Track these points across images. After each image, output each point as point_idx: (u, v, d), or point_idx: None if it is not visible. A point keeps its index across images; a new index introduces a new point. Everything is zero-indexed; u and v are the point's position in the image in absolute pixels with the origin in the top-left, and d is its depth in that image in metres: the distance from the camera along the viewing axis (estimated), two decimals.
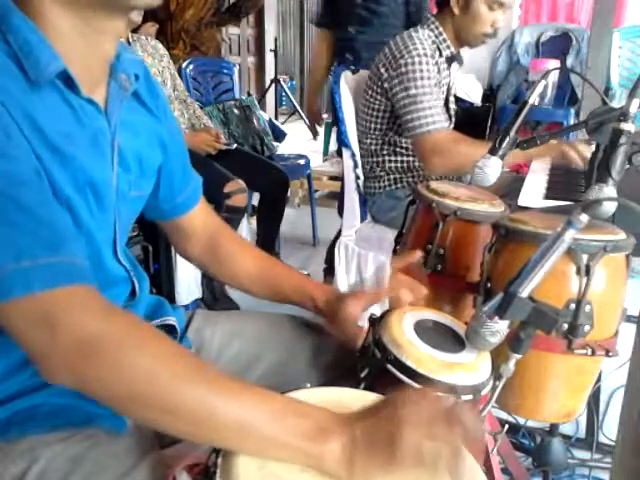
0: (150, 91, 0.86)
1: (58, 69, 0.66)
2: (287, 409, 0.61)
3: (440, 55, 1.86)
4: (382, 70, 1.85)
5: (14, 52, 0.64)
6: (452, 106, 2.02)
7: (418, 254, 1.00)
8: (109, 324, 0.61)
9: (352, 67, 2.08)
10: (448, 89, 1.95)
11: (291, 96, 6.93)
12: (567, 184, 1.59)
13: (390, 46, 1.84)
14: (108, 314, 0.62)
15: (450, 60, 1.90)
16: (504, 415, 1.22)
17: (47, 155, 0.65)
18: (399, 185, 1.94)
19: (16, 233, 0.59)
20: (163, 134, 0.88)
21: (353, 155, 1.97)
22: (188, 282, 2.32)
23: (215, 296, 2.43)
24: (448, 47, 1.86)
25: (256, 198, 2.87)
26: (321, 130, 3.74)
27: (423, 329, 0.80)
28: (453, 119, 2.06)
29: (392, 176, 1.94)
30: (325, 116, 4.09)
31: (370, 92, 1.92)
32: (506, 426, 0.78)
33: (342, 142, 2.03)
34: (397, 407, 0.59)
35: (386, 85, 1.83)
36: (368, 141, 1.96)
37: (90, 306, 0.62)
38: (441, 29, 1.85)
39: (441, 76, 1.86)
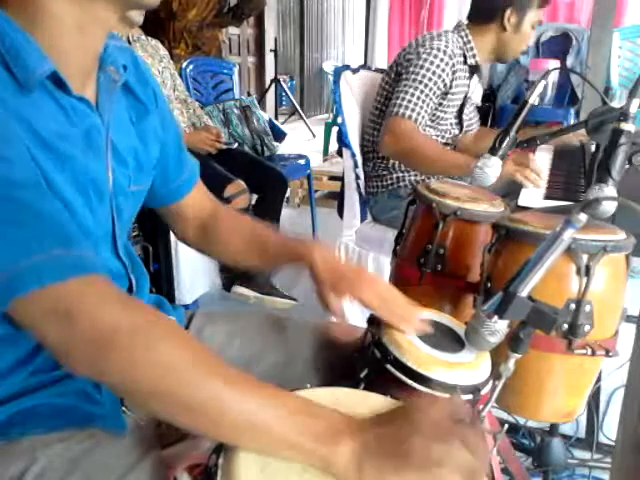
0: (139, 79, 0.84)
1: (47, 71, 0.65)
2: (300, 409, 0.60)
3: (465, 62, 1.87)
4: (406, 54, 1.87)
5: (1, 55, 0.63)
6: (465, 117, 2.02)
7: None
8: (125, 316, 0.60)
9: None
10: (465, 98, 1.96)
11: (291, 96, 6.93)
12: (567, 184, 1.59)
13: (417, 39, 1.86)
14: (124, 305, 0.62)
15: (473, 70, 1.91)
16: (504, 415, 1.22)
17: (43, 156, 0.65)
18: (401, 184, 1.94)
19: (24, 231, 0.59)
20: (156, 123, 0.87)
21: (353, 155, 1.97)
22: (191, 281, 2.32)
23: (232, 282, 2.48)
24: (474, 56, 1.88)
25: (254, 198, 2.87)
26: (320, 129, 3.74)
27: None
28: (468, 129, 2.06)
29: (395, 175, 1.95)
30: (325, 116, 4.09)
31: (385, 79, 1.92)
32: (506, 426, 0.78)
33: (342, 142, 2.03)
34: (414, 419, 0.58)
35: (398, 70, 1.86)
36: (373, 137, 1.96)
37: (105, 297, 0.61)
38: (470, 38, 1.86)
39: (459, 81, 1.86)
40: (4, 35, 0.64)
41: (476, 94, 4.05)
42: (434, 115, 1.87)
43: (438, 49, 1.77)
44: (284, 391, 0.62)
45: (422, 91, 1.75)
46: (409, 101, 1.74)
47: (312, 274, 0.87)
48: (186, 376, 0.58)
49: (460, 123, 2.00)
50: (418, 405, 0.60)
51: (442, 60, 1.77)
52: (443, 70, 1.77)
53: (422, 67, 1.76)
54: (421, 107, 1.75)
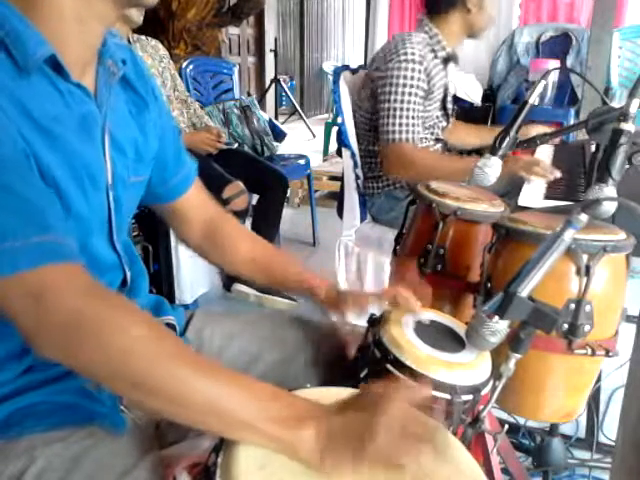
0: (138, 74, 0.85)
1: (46, 54, 0.66)
2: (263, 394, 0.62)
3: (435, 57, 1.87)
4: (374, 71, 1.86)
5: (1, 39, 0.64)
6: (450, 105, 2.03)
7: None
8: (91, 302, 0.62)
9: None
10: (445, 89, 1.96)
11: (291, 96, 6.93)
12: (567, 184, 1.59)
13: (384, 47, 1.86)
14: (92, 293, 0.63)
15: (446, 61, 1.91)
16: (504, 415, 1.22)
17: (37, 139, 0.65)
18: (397, 185, 1.94)
19: (3, 214, 0.60)
20: (155, 117, 0.88)
21: (353, 155, 1.97)
22: (191, 281, 2.32)
23: (233, 281, 2.50)
24: (443, 48, 1.87)
25: (255, 199, 2.87)
26: (320, 129, 3.73)
27: (423, 329, 0.80)
28: (452, 118, 2.07)
29: (391, 176, 1.95)
30: (325, 116, 4.09)
31: (364, 93, 1.92)
32: (506, 426, 0.78)
33: (342, 142, 2.03)
34: (378, 407, 0.59)
35: (373, 85, 1.85)
36: (366, 142, 1.96)
37: (76, 284, 0.62)
38: (435, 30, 1.86)
39: (436, 78, 1.86)
40: (4, 20, 0.65)
41: (475, 93, 4.06)
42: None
43: (406, 60, 1.76)
44: (249, 377, 0.64)
45: (407, 109, 1.76)
46: (400, 124, 1.75)
47: (317, 300, 0.93)
48: (142, 361, 0.60)
49: (446, 114, 2.01)
50: (384, 393, 0.61)
51: (414, 70, 1.76)
52: (418, 79, 1.77)
53: (397, 85, 1.76)
54: (412, 124, 1.76)
